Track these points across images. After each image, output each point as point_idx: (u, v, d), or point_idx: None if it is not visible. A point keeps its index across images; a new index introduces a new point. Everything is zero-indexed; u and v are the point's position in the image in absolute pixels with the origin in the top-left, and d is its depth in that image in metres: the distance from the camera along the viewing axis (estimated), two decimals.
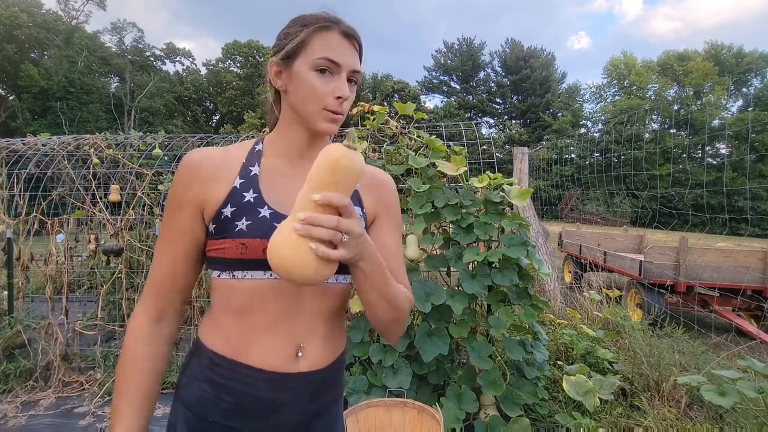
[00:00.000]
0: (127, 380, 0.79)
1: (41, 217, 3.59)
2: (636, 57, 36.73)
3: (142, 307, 0.84)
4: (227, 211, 0.76)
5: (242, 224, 0.75)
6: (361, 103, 3.13)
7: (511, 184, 2.59)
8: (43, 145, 3.91)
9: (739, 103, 34.26)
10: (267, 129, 0.94)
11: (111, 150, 3.82)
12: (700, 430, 2.18)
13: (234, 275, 0.76)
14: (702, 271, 4.78)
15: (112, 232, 3.41)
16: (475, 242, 2.47)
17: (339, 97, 0.78)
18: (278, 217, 0.75)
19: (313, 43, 0.78)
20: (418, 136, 2.95)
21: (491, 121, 41.06)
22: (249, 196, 0.78)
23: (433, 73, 43.42)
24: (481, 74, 42.63)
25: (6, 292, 3.55)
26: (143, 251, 3.46)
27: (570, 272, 7.44)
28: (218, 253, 0.77)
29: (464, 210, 2.54)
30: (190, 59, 38.70)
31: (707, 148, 32.02)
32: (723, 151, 31.77)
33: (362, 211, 0.86)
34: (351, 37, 0.82)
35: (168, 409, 2.93)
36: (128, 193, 3.59)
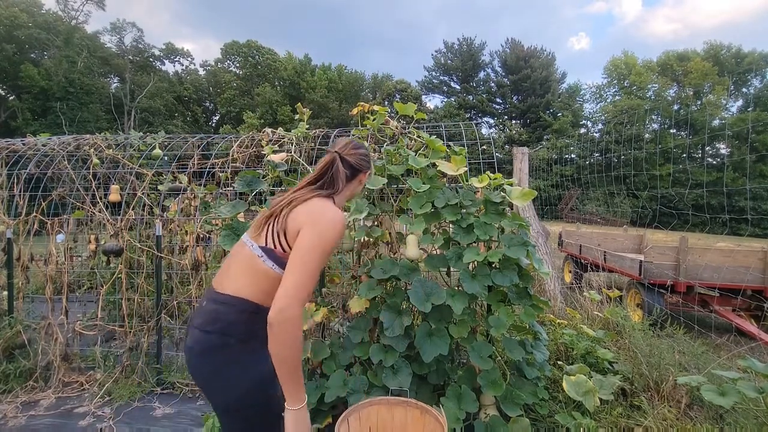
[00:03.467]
0: (296, 358, 1.13)
1: (41, 218, 3.59)
2: (636, 57, 36.74)
3: (302, 305, 1.14)
4: None
5: None
6: (361, 103, 3.13)
7: (511, 185, 2.59)
8: (43, 146, 3.91)
9: (739, 103, 34.30)
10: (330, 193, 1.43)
11: (111, 150, 3.82)
12: (700, 430, 2.18)
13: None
14: (702, 271, 4.77)
15: (112, 233, 3.41)
16: (475, 242, 2.47)
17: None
18: None
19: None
20: (418, 137, 2.95)
21: (491, 121, 41.04)
22: None
23: (433, 73, 43.43)
24: (481, 74, 42.65)
25: (6, 292, 3.56)
26: (143, 251, 3.46)
27: (570, 272, 7.43)
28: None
29: (464, 210, 2.54)
30: (190, 59, 38.69)
31: (707, 148, 32.02)
32: (723, 151, 31.77)
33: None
34: None
35: (168, 409, 2.93)
36: (128, 194, 3.59)
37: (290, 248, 1.25)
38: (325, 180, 1.42)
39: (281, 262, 1.26)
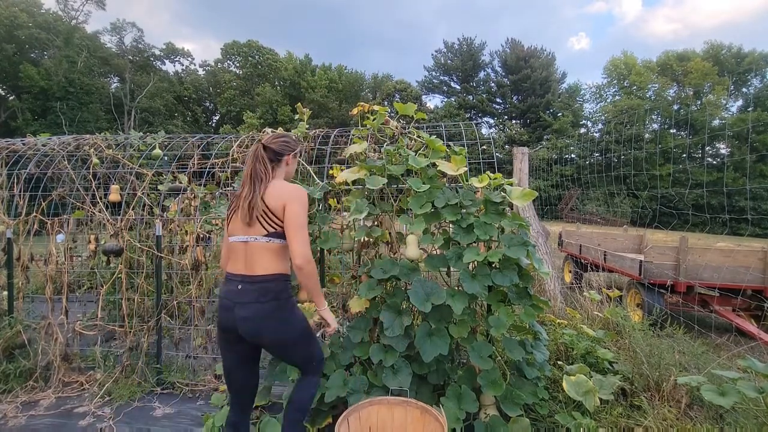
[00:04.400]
0: (318, 283, 1.84)
1: (41, 218, 3.59)
2: (636, 57, 36.72)
3: (309, 251, 1.76)
4: None
5: None
6: (361, 103, 3.13)
7: (511, 185, 2.59)
8: (43, 146, 3.91)
9: (739, 103, 34.28)
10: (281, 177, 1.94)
11: (111, 150, 3.82)
12: (700, 430, 2.18)
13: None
14: (702, 271, 4.77)
15: (112, 232, 3.41)
16: (475, 242, 2.47)
17: None
18: None
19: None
20: (418, 137, 2.95)
21: (491, 121, 41.01)
22: None
23: (433, 73, 43.41)
24: (482, 74, 42.63)
25: (6, 292, 3.55)
26: (143, 251, 3.46)
27: (570, 272, 7.43)
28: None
29: (464, 210, 2.54)
30: (190, 59, 38.67)
31: (707, 148, 32.01)
32: (723, 151, 31.76)
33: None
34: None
35: (168, 409, 2.93)
36: (128, 193, 3.58)
37: (281, 221, 1.75)
38: (258, 169, 1.80)
39: (281, 235, 1.77)
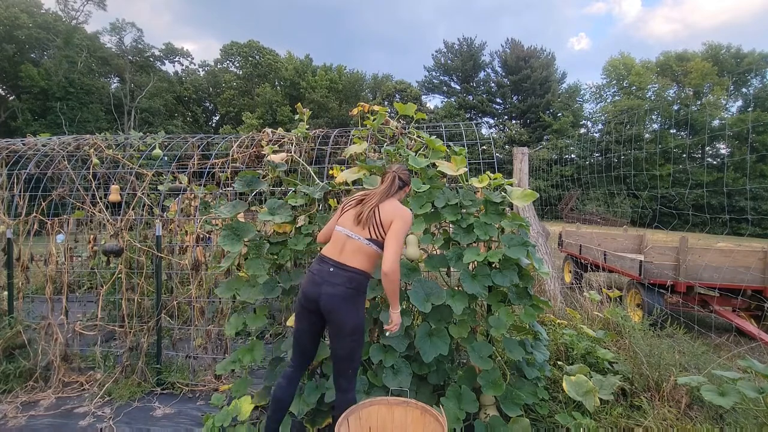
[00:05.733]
0: (398, 288, 2.10)
1: (41, 218, 3.59)
2: (634, 57, 36.71)
3: (399, 262, 2.03)
4: None
5: None
6: (361, 103, 3.13)
7: (511, 185, 2.59)
8: (43, 146, 3.91)
9: (739, 103, 34.28)
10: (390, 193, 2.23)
11: (111, 150, 3.82)
12: (700, 430, 2.18)
13: None
14: (702, 271, 4.77)
15: (112, 233, 3.41)
16: (475, 242, 2.47)
17: None
18: None
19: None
20: (418, 137, 2.95)
21: (491, 121, 41.00)
22: None
23: (434, 73, 43.39)
24: (482, 74, 42.59)
25: (6, 293, 3.55)
26: (143, 251, 3.46)
27: (570, 272, 7.43)
28: None
29: (464, 210, 2.54)
30: (190, 59, 38.65)
31: (707, 149, 32.00)
32: (723, 151, 31.75)
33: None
34: None
35: (168, 409, 2.94)
36: (128, 194, 3.58)
37: (384, 233, 2.08)
38: (390, 189, 2.21)
39: (380, 243, 2.09)
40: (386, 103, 34.83)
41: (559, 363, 3.02)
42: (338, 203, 3.05)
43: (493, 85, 41.52)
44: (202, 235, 3.58)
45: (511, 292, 2.44)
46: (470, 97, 40.55)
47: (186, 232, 3.93)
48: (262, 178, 2.77)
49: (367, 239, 2.08)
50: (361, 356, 2.16)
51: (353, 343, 2.06)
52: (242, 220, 2.96)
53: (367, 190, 2.32)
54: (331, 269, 2.05)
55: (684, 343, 3.21)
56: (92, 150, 3.77)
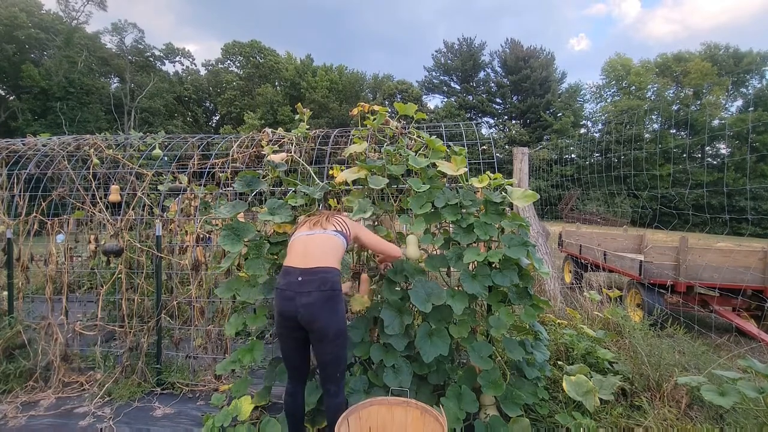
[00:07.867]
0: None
1: (41, 218, 3.59)
2: (632, 58, 36.73)
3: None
4: None
5: None
6: (362, 103, 3.13)
7: (511, 185, 2.59)
8: (43, 146, 3.91)
9: (739, 103, 34.27)
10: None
11: (111, 150, 3.82)
12: (700, 430, 2.18)
13: None
14: (702, 271, 4.77)
15: (112, 233, 3.41)
16: (475, 242, 2.47)
17: None
18: None
19: None
20: (419, 137, 2.95)
21: (491, 121, 40.98)
22: None
23: (434, 73, 43.39)
24: (482, 74, 42.60)
25: (6, 293, 3.55)
26: (143, 251, 3.46)
27: (570, 272, 7.43)
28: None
29: (464, 210, 2.54)
30: (190, 59, 38.65)
31: (707, 149, 31.99)
32: (723, 151, 31.73)
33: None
34: None
35: (168, 409, 2.94)
36: (128, 194, 3.58)
37: (347, 228, 2.22)
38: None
39: (344, 235, 2.18)
40: (386, 103, 34.82)
41: (559, 363, 3.02)
42: (338, 203, 3.05)
43: (493, 85, 41.52)
44: (202, 235, 3.58)
45: (511, 292, 2.44)
46: (470, 97, 40.55)
47: (186, 232, 3.93)
48: (262, 178, 2.77)
49: (333, 230, 2.15)
50: (347, 358, 2.12)
51: (338, 348, 2.02)
52: (242, 220, 2.96)
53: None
54: (300, 278, 1.98)
55: (684, 343, 3.21)
56: (92, 150, 3.77)
